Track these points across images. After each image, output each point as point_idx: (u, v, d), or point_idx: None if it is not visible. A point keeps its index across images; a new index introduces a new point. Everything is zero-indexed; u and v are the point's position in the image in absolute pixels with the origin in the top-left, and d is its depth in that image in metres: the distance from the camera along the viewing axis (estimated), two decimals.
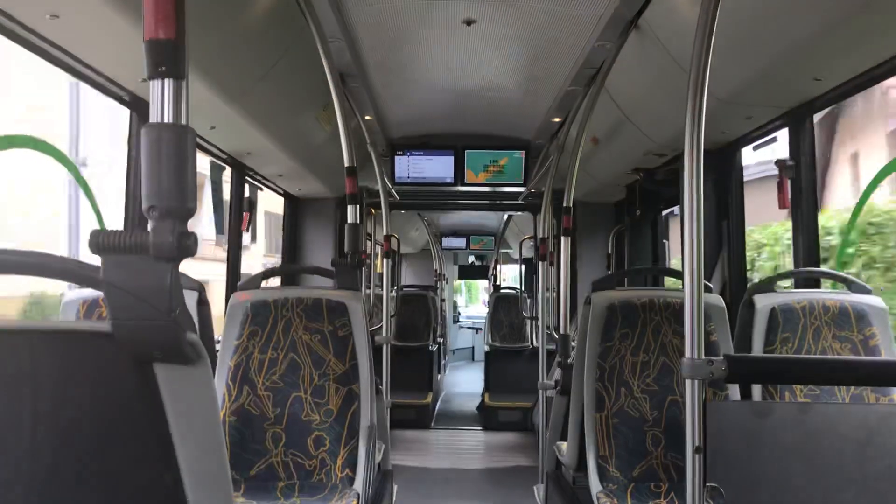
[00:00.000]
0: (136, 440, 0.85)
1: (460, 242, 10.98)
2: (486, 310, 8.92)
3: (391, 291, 7.01)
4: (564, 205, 3.29)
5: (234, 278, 3.68)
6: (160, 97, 0.89)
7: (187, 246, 0.85)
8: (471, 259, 13.31)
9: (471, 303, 16.57)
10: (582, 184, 4.18)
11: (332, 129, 3.67)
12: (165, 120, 0.89)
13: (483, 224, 9.79)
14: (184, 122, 0.90)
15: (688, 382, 1.38)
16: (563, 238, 3.32)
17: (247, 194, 3.80)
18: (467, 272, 13.56)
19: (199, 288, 2.62)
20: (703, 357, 1.38)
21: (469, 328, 12.80)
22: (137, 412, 0.84)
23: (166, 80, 0.90)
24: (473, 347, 12.71)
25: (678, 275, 2.99)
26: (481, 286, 15.15)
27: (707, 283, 2.97)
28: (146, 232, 0.84)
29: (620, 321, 2.54)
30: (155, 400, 0.84)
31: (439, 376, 8.46)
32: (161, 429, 0.84)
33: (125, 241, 0.83)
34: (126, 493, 0.84)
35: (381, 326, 4.02)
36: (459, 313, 13.64)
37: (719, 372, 1.36)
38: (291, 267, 4.80)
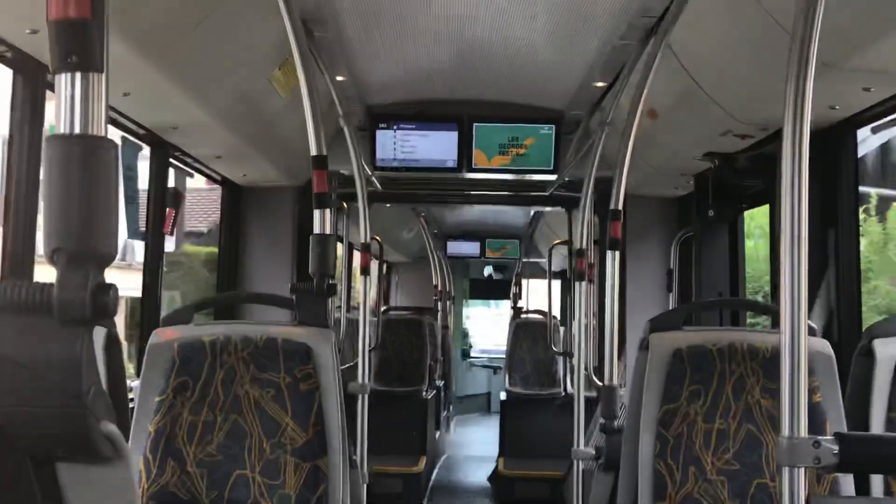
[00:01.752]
0: None
1: (472, 248, 11.06)
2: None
3: (373, 315, 7.09)
4: (612, 206, 3.35)
5: (153, 308, 3.73)
6: (69, 97, 0.89)
7: (104, 304, 0.85)
8: (487, 271, 13.39)
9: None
10: (635, 172, 4.26)
11: (290, 94, 3.78)
12: (76, 129, 0.89)
13: (505, 222, 9.91)
14: (102, 131, 0.91)
15: (784, 470, 1.38)
16: (609, 251, 3.40)
17: (171, 183, 3.90)
18: (483, 289, 13.69)
19: (108, 322, 2.57)
20: (806, 435, 1.37)
21: (484, 366, 12.83)
22: None
23: (78, 75, 0.90)
24: (490, 394, 12.75)
25: (770, 310, 3.01)
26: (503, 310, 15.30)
27: (808, 322, 3.12)
28: (48, 284, 0.84)
29: (690, 373, 2.57)
30: None
31: (438, 434, 8.50)
32: None
33: (17, 297, 0.83)
34: None
35: (357, 366, 4.11)
36: (471, 346, 13.71)
37: (828, 457, 1.35)
38: (237, 295, 4.89)
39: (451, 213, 9.34)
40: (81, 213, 0.86)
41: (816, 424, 2.33)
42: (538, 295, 11.17)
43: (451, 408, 10.68)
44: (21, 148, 2.65)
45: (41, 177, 0.96)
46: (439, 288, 10.25)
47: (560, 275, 9.00)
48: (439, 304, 10.01)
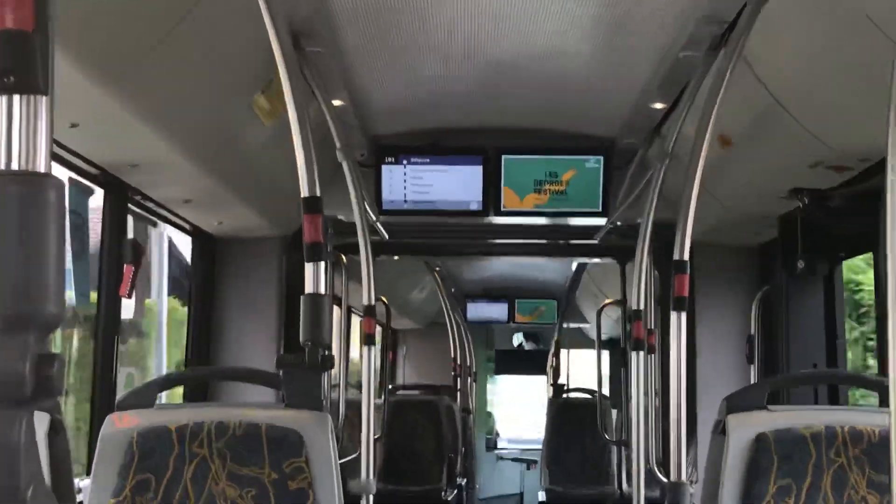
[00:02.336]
0: None
1: (499, 311, 11.24)
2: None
3: (378, 396, 7.11)
4: (676, 256, 3.35)
5: (107, 387, 3.79)
6: (4, 124, 0.92)
7: (48, 379, 0.87)
8: (517, 340, 13.54)
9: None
10: (704, 214, 4.26)
11: (277, 122, 3.87)
12: (14, 164, 0.91)
13: (539, 278, 10.01)
14: (44, 166, 0.93)
15: None
16: (674, 313, 3.40)
17: (131, 233, 3.97)
18: (512, 362, 13.76)
19: (51, 404, 2.56)
20: None
21: (515, 460, 12.63)
22: None
23: (17, 98, 0.92)
24: (522, 495, 12.55)
25: (876, 386, 3.07)
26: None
27: None
28: None
29: (777, 464, 2.59)
30: None
31: None
32: None
33: None
34: None
35: (360, 460, 4.15)
36: (498, 434, 13.70)
37: None
38: (210, 371, 4.95)
39: (472, 267, 9.43)
40: (19, 267, 0.88)
41: None
42: (582, 368, 11.18)
43: None
44: None
45: None
46: (458, 362, 10.28)
47: (610, 343, 9.07)
48: (459, 381, 10.06)
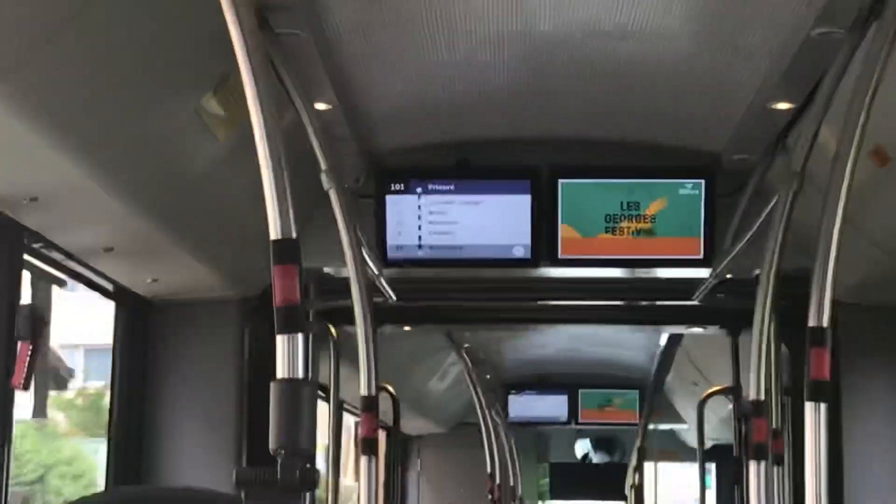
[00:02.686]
0: None
1: (555, 407, 11.63)
2: None
3: None
4: (813, 321, 3.32)
5: None
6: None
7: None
8: (583, 449, 13.87)
9: None
10: (853, 260, 4.27)
11: (235, 135, 3.93)
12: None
13: (613, 359, 10.36)
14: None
15: None
16: (810, 403, 3.36)
17: (27, 298, 4.06)
18: (575, 480, 14.17)
19: None
20: None
21: None
22: None
23: None
24: None
25: None
26: None
27: None
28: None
29: None
30: None
31: None
32: None
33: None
34: None
35: None
36: None
37: None
38: (137, 493, 4.79)
39: (517, 343, 9.70)
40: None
41: None
42: (677, 488, 11.71)
43: None
44: None
45: None
46: (497, 480, 10.38)
47: (716, 452, 9.42)
48: None
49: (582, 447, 13.83)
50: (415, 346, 8.76)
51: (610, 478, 13.15)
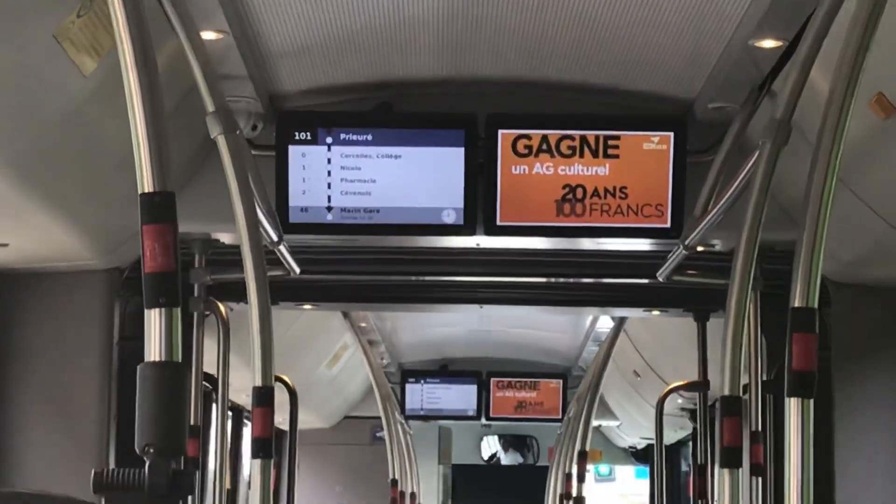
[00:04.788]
0: None
1: (461, 398, 11.63)
2: None
3: None
4: (797, 301, 3.23)
5: None
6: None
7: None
8: (491, 447, 14.14)
9: None
10: (848, 231, 4.42)
11: (103, 69, 3.85)
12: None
13: (534, 344, 10.89)
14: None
15: None
16: (793, 399, 3.29)
17: None
18: (480, 485, 14.29)
19: None
20: None
21: None
22: None
23: None
24: None
25: None
26: None
27: None
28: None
29: None
30: None
31: None
32: None
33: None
34: None
35: None
36: None
37: None
38: None
39: (417, 322, 9.95)
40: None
41: None
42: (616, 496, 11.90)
43: None
44: None
45: None
46: (399, 487, 10.71)
47: (641, 454, 10.20)
48: None
49: (490, 446, 13.99)
50: (303, 328, 8.80)
51: (521, 482, 13.40)
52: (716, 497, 5.02)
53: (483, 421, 11.76)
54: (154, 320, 2.68)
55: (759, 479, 5.24)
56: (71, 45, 3.65)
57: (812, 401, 3.24)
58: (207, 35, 4.08)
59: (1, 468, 5.12)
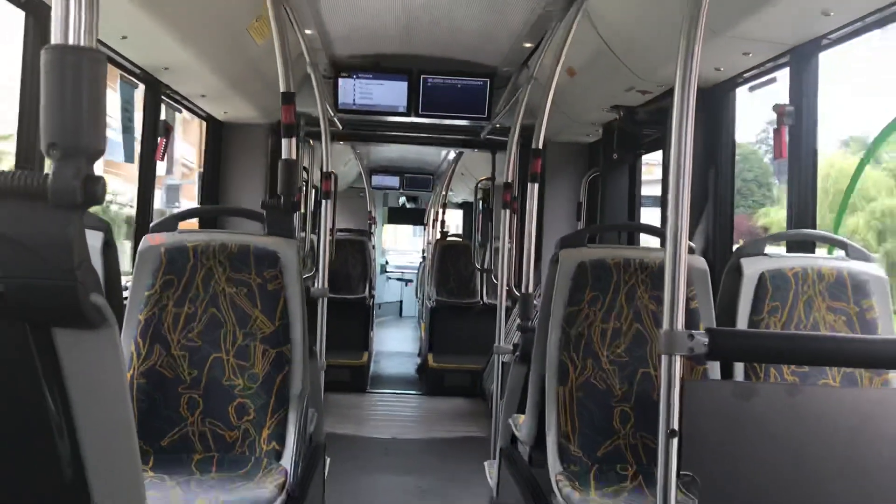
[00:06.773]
0: (31, 412, 1.32)
1: (393, 181, 15.07)
2: (420, 259, 13.21)
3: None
4: (534, 146, 4.74)
5: (144, 217, 5.27)
6: (64, 8, 1.32)
7: (94, 192, 1.30)
8: (402, 200, 19.10)
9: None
10: (553, 121, 5.60)
11: (266, 43, 5.14)
12: (71, 38, 1.33)
13: (422, 160, 13.22)
14: (93, 42, 1.34)
15: (664, 358, 2.11)
16: (530, 184, 4.85)
17: (163, 116, 5.51)
18: (399, 215, 19.69)
19: (105, 228, 3.55)
20: (683, 330, 2.09)
21: (398, 279, 19.13)
22: (33, 382, 1.30)
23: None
24: (401, 302, 18.99)
25: (658, 232, 4.37)
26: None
27: (689, 243, 3.82)
28: (44, 174, 1.29)
29: (591, 283, 3.71)
30: (53, 369, 1.30)
31: (372, 334, 11.99)
32: (60, 400, 1.31)
33: (17, 183, 1.26)
34: (18, 468, 1.33)
35: (315, 276, 5.85)
36: (387, 262, 19.94)
37: (700, 347, 2.07)
38: (216, 208, 6.72)
39: (378, 150, 12.43)
40: (74, 113, 1.31)
41: (692, 326, 3.04)
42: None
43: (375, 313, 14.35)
44: (32, 97, 3.68)
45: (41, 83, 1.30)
46: (373, 214, 15.08)
47: (462, 205, 13.95)
48: (371, 227, 14.31)
49: (401, 200, 18.81)
50: (337, 152, 11.13)
51: (416, 215, 18.11)
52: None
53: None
54: (285, 143, 3.55)
55: (516, 217, 6.86)
56: (253, 32, 4.86)
57: (538, 185, 4.58)
58: (307, 31, 5.54)
59: (226, 202, 6.88)
